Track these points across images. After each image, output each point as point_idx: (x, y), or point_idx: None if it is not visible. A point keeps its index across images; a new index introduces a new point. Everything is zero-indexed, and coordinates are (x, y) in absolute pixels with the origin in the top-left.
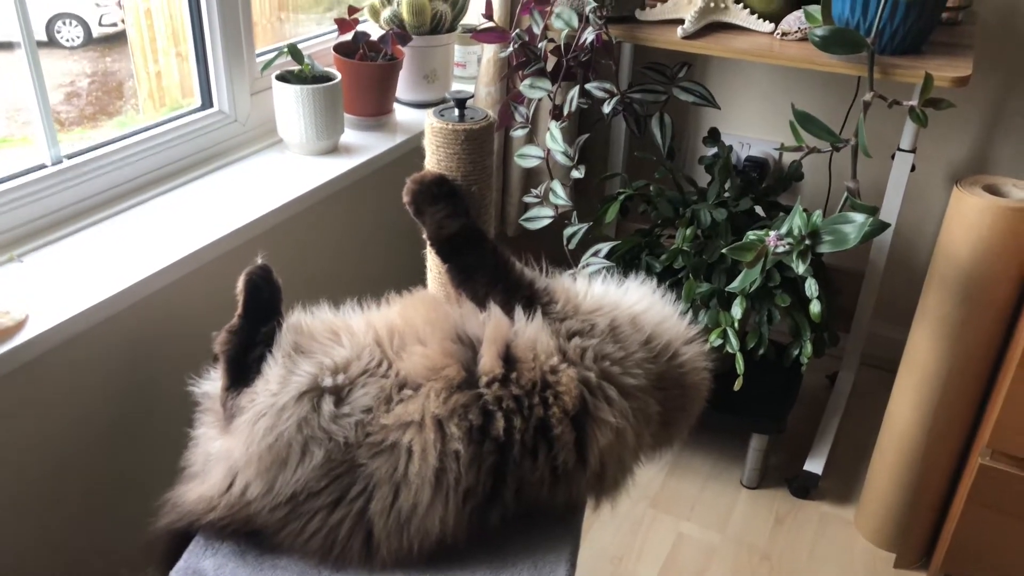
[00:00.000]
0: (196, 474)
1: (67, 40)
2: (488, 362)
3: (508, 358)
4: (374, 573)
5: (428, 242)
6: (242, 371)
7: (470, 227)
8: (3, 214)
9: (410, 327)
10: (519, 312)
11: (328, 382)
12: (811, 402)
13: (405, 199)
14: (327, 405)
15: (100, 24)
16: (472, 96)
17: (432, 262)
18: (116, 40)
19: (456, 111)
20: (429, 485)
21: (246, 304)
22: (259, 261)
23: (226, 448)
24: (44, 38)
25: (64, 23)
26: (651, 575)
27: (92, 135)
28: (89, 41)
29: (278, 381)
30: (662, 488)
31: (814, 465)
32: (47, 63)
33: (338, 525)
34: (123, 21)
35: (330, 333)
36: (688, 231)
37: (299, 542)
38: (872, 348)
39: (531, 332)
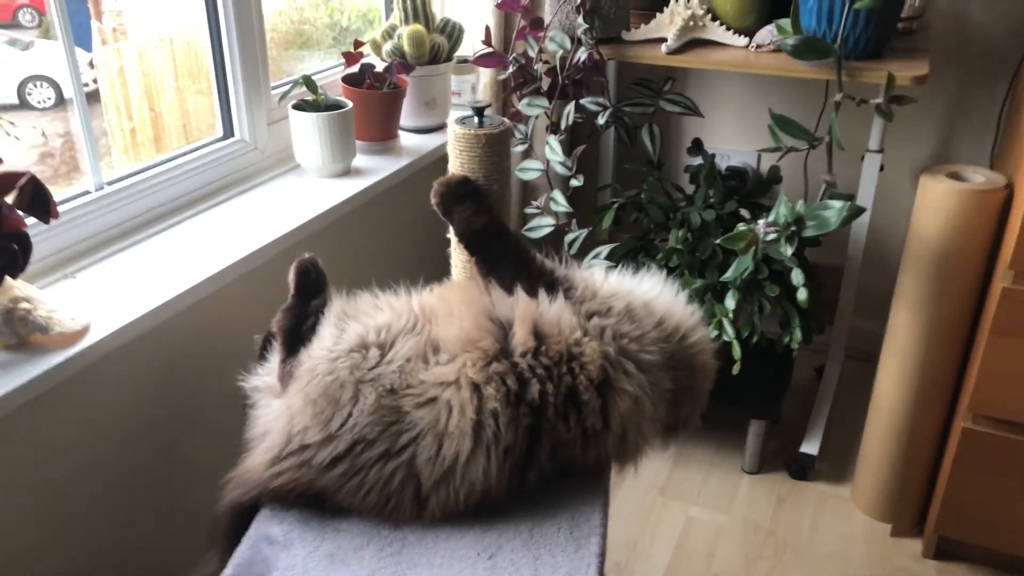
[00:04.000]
0: (258, 439)
1: (39, 102)
2: (521, 336)
3: (537, 333)
4: (426, 525)
5: (457, 237)
6: (297, 341)
7: (494, 222)
8: (57, 235)
9: (445, 304)
10: (542, 294)
11: (372, 337)
12: (802, 395)
13: (433, 200)
14: (373, 354)
15: None
16: (490, 104)
17: (457, 257)
18: (88, 100)
19: (476, 119)
20: (469, 437)
21: (297, 284)
22: (306, 255)
23: (285, 404)
24: (15, 100)
25: (35, 85)
26: (666, 555)
27: (68, 192)
28: (60, 102)
29: (331, 338)
30: (669, 477)
31: (810, 447)
32: (19, 125)
33: (391, 476)
34: (95, 81)
35: (372, 307)
36: (680, 232)
37: (357, 499)
38: (855, 341)
39: (555, 310)
